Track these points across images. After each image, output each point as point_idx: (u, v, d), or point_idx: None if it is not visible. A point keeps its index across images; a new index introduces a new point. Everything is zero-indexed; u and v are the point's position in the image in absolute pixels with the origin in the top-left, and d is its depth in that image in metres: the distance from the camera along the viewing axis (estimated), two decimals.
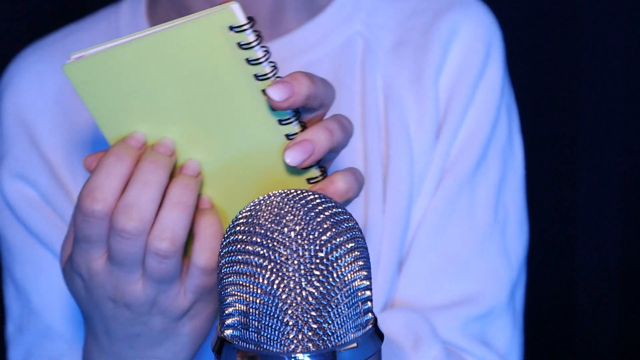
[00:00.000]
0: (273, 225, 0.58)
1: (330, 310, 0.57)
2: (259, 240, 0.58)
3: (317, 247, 0.57)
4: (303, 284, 0.57)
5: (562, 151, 1.39)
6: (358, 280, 0.59)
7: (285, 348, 0.57)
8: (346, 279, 0.58)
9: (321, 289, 0.57)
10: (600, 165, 1.38)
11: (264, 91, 0.66)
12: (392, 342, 0.82)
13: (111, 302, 0.70)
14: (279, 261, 0.57)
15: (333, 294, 0.57)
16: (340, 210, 0.60)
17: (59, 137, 0.93)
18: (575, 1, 1.35)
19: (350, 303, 0.58)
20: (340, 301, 0.58)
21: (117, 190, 0.67)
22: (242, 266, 0.58)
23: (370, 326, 0.60)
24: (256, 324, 0.57)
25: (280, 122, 0.67)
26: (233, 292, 0.59)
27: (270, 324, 0.57)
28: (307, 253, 0.57)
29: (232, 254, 0.59)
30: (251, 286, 0.57)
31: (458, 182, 0.89)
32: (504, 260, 0.91)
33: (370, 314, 0.60)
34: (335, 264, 0.58)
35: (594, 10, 1.35)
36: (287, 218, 0.58)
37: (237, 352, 0.58)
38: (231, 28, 0.65)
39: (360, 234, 0.60)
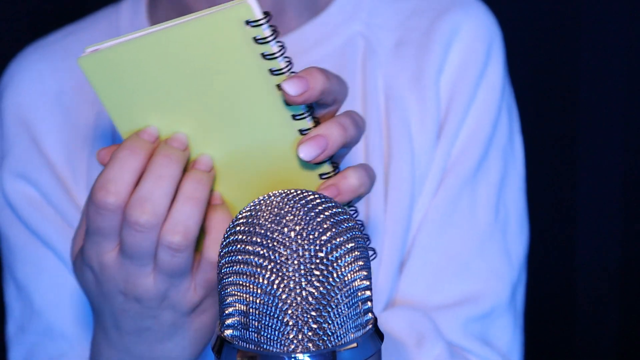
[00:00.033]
0: (273, 225, 0.58)
1: (330, 310, 0.57)
2: (259, 240, 0.58)
3: (317, 247, 0.57)
4: (303, 284, 0.57)
5: (562, 151, 1.39)
6: (358, 280, 0.59)
7: (285, 348, 0.57)
8: (346, 279, 0.58)
9: (321, 289, 0.57)
10: (600, 165, 1.38)
11: (278, 86, 0.66)
12: (395, 341, 0.82)
13: (121, 295, 0.71)
14: (279, 261, 0.57)
15: (333, 294, 0.57)
16: (340, 210, 0.60)
17: (59, 136, 0.93)
18: (575, 1, 1.35)
19: (350, 303, 0.58)
20: (340, 301, 0.58)
21: (130, 183, 0.68)
22: (242, 266, 0.58)
23: (370, 326, 0.60)
24: (256, 324, 0.57)
25: (294, 117, 0.67)
26: (233, 292, 0.59)
27: (270, 324, 0.57)
28: (307, 253, 0.57)
29: (232, 254, 0.59)
30: (251, 286, 0.57)
31: (459, 182, 0.89)
32: (505, 260, 0.91)
33: (370, 314, 0.60)
34: (335, 264, 0.58)
35: (594, 10, 1.35)
36: (287, 218, 0.58)
37: (237, 352, 0.58)
38: (247, 22, 0.65)
39: (360, 234, 0.60)
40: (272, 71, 0.66)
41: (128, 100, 0.69)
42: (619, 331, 1.42)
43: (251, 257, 0.58)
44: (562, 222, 1.40)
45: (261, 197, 0.61)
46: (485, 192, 0.91)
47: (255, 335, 0.58)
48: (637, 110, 1.37)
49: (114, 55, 0.67)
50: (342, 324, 0.58)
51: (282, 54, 0.66)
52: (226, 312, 0.59)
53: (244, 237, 0.58)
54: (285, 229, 0.58)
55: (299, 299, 0.57)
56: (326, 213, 0.59)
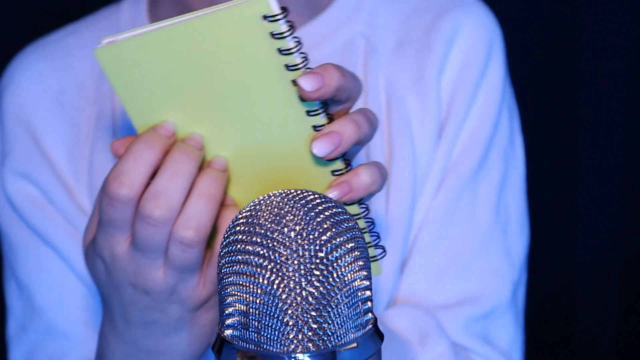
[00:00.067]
0: (273, 225, 0.58)
1: (330, 310, 0.57)
2: (259, 240, 0.58)
3: (317, 247, 0.57)
4: (303, 284, 0.57)
5: (562, 151, 1.39)
6: (358, 280, 0.59)
7: (285, 348, 0.57)
8: (346, 279, 0.58)
9: (321, 289, 0.57)
10: (600, 165, 1.38)
11: (294, 82, 0.66)
12: (398, 339, 0.82)
13: (131, 287, 0.71)
14: (279, 261, 0.57)
15: (333, 294, 0.57)
16: (340, 210, 0.60)
17: (60, 135, 0.93)
18: (575, 1, 1.35)
19: (350, 303, 0.58)
20: (340, 301, 0.58)
21: (144, 176, 0.68)
22: (242, 266, 0.58)
23: (370, 326, 0.60)
24: (256, 324, 0.57)
25: (308, 113, 0.67)
26: (233, 292, 0.59)
27: (270, 324, 0.57)
28: (307, 253, 0.57)
29: (232, 254, 0.59)
30: (251, 286, 0.57)
31: (460, 182, 0.90)
32: (506, 260, 0.91)
33: (370, 314, 0.60)
34: (335, 264, 0.58)
35: (594, 10, 1.35)
36: (287, 218, 0.58)
37: (237, 352, 0.58)
38: (265, 17, 0.65)
39: (360, 234, 0.60)
40: (287, 67, 0.66)
41: (144, 94, 0.69)
42: (619, 331, 1.42)
43: (251, 257, 0.58)
44: (562, 222, 1.40)
45: (261, 197, 0.61)
46: (486, 192, 0.91)
47: (255, 335, 0.58)
48: (637, 110, 1.37)
49: (130, 47, 0.67)
50: (342, 324, 0.58)
51: (298, 50, 0.66)
52: (226, 312, 0.59)
53: (244, 237, 0.58)
54: (285, 229, 0.58)
55: (299, 299, 0.57)
56: (326, 213, 0.59)
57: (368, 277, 0.60)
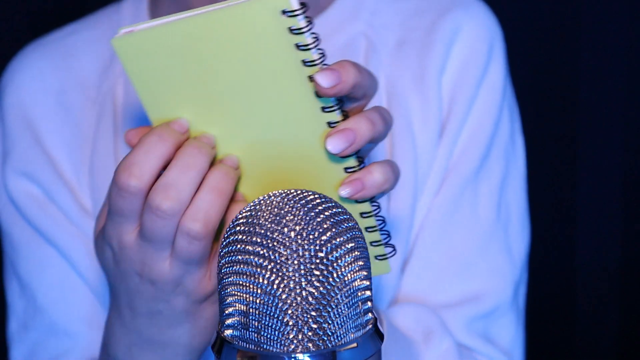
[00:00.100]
0: (273, 225, 0.58)
1: (330, 310, 0.57)
2: (259, 240, 0.58)
3: (317, 247, 0.57)
4: (303, 284, 0.57)
5: (562, 151, 1.39)
6: (358, 280, 0.59)
7: (285, 348, 0.57)
8: (346, 279, 0.58)
9: (321, 289, 0.57)
10: (600, 165, 1.38)
11: (310, 77, 0.66)
12: (403, 337, 0.82)
13: (137, 276, 0.71)
14: (279, 261, 0.57)
15: (333, 294, 0.57)
16: (340, 210, 0.60)
17: (61, 134, 0.93)
18: (575, 1, 1.35)
19: (350, 303, 0.58)
20: (340, 301, 0.58)
21: (155, 168, 0.68)
22: (242, 266, 0.58)
23: (370, 326, 0.60)
24: (256, 324, 0.57)
25: (323, 109, 0.67)
26: (233, 292, 0.59)
27: (270, 324, 0.57)
28: (307, 253, 0.57)
29: (232, 254, 0.59)
30: (251, 286, 0.57)
31: (461, 181, 0.90)
32: (507, 259, 0.91)
33: (370, 314, 0.60)
34: (335, 264, 0.58)
35: (594, 10, 1.35)
36: (287, 218, 0.58)
37: (237, 352, 0.58)
38: (284, 12, 0.64)
39: (361, 234, 0.60)
40: (305, 62, 0.66)
41: (160, 87, 0.69)
42: (619, 331, 1.42)
43: (251, 257, 0.58)
44: (562, 222, 1.40)
45: (261, 197, 0.61)
46: (487, 191, 0.91)
47: (255, 335, 0.58)
48: (637, 110, 1.37)
49: (147, 39, 0.67)
50: (342, 324, 0.58)
51: (316, 46, 0.66)
52: (226, 312, 0.59)
53: (244, 237, 0.58)
54: (285, 229, 0.58)
55: (299, 299, 0.57)
56: (326, 213, 0.59)
57: (368, 277, 0.60)
